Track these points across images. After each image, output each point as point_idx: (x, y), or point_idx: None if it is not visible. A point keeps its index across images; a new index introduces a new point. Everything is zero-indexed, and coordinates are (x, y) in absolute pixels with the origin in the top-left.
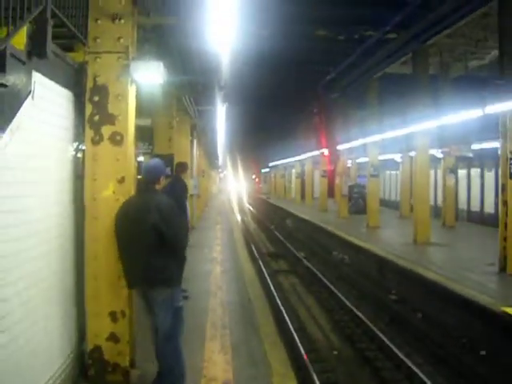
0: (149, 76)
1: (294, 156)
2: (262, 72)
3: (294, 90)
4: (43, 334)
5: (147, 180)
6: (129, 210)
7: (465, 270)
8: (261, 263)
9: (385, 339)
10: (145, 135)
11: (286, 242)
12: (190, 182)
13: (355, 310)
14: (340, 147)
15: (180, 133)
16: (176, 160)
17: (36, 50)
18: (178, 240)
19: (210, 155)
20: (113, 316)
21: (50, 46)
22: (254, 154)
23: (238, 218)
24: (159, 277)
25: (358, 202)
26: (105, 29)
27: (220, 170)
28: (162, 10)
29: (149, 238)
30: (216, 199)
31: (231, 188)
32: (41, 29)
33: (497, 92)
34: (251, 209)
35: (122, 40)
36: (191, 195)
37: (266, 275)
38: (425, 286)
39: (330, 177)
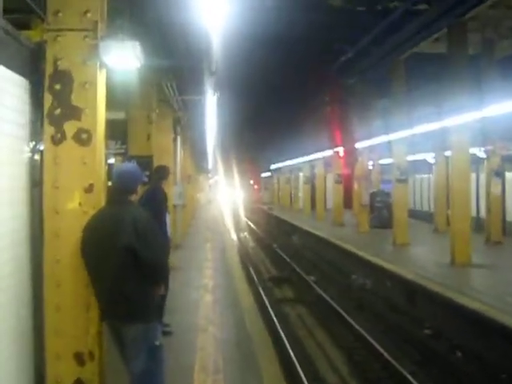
0: (122, 59)
1: (301, 156)
2: (263, 53)
3: (302, 75)
4: None
5: (120, 189)
6: (97, 225)
7: None
8: (261, 290)
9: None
10: (117, 132)
11: (293, 264)
12: (173, 190)
13: (379, 347)
14: (359, 145)
15: (161, 129)
16: (156, 163)
17: None
18: (158, 264)
19: (198, 156)
20: (79, 358)
21: (1, 22)
22: (253, 155)
23: (233, 234)
24: (132, 309)
25: (381, 213)
26: (68, 0)
27: (210, 175)
28: None
29: (120, 261)
30: (206, 211)
31: (224, 196)
32: None
33: None
34: (249, 223)
35: (89, 14)
36: (174, 206)
37: (268, 305)
38: (466, 317)
39: (347, 182)
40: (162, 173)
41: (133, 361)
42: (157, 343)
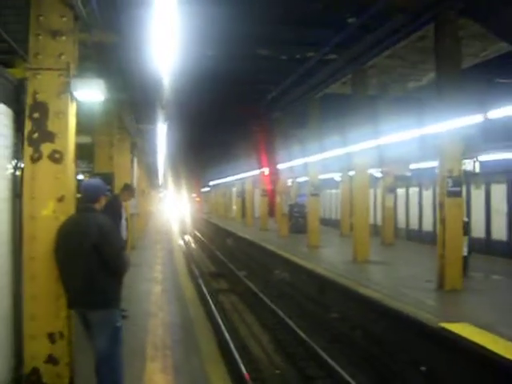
0: (90, 93)
1: (234, 175)
2: (204, 91)
3: (236, 109)
4: None
5: (87, 199)
6: (68, 229)
7: (403, 287)
8: (201, 282)
9: (327, 358)
10: (85, 153)
11: (227, 261)
12: (130, 201)
13: (296, 328)
14: (280, 166)
15: (120, 151)
16: (116, 179)
17: None
18: (120, 261)
19: (151, 174)
20: (51, 337)
21: None
22: (195, 173)
23: (178, 237)
24: (99, 298)
25: (298, 221)
26: (46, 45)
27: (160, 190)
28: (103, 26)
29: (89, 258)
30: (156, 219)
31: (172, 208)
32: None
33: (434, 113)
34: (192, 229)
35: (63, 57)
36: (131, 214)
37: (207, 295)
38: (364, 303)
39: (271, 196)
40: (129, 191)
41: (97, 340)
42: (118, 325)
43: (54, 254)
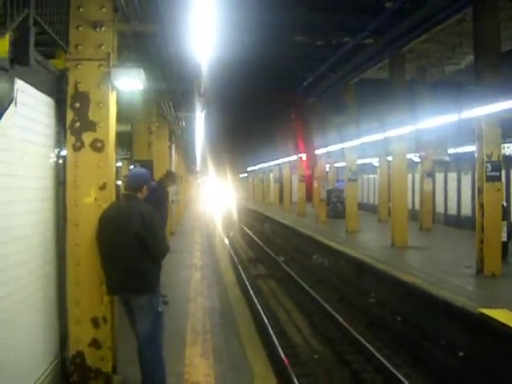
0: (129, 83)
1: (271, 161)
2: (241, 78)
3: (273, 96)
4: (27, 340)
5: (130, 187)
6: (111, 216)
7: (442, 272)
8: (240, 268)
9: (365, 343)
10: (123, 141)
11: (265, 246)
12: (171, 188)
13: (334, 312)
14: (318, 152)
15: (159, 138)
16: (155, 166)
17: (19, 58)
18: (160, 248)
19: (188, 160)
20: (95, 322)
21: (33, 54)
22: (233, 159)
23: (217, 223)
24: (141, 284)
25: (336, 206)
26: (86, 36)
27: (198, 176)
28: (142, 17)
29: (131, 246)
30: (194, 205)
31: (209, 193)
32: (23, 36)
33: (472, 97)
34: (230, 214)
35: (103, 47)
36: (172, 201)
37: (246, 280)
38: (403, 288)
39: (308, 181)
40: (171, 177)
41: (140, 325)
42: (160, 309)
43: (96, 241)
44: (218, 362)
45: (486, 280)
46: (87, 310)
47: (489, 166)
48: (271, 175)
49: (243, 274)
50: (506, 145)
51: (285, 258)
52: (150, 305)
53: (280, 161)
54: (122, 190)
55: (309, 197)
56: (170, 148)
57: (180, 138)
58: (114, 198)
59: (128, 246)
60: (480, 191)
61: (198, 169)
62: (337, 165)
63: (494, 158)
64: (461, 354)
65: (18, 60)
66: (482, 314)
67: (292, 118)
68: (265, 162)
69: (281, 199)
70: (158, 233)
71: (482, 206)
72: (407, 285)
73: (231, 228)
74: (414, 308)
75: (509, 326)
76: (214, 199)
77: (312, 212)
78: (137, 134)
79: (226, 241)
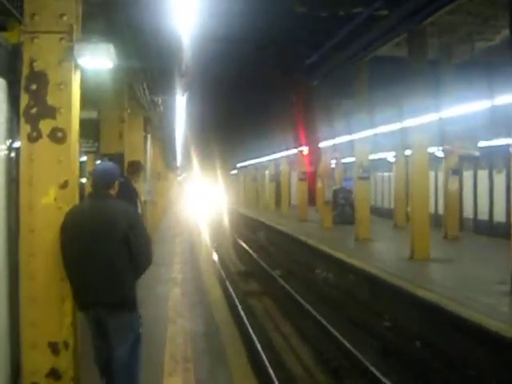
0: (97, 60)
1: (267, 155)
2: (230, 55)
3: (268, 77)
4: None
5: (101, 184)
6: (84, 221)
7: (471, 290)
8: (228, 284)
9: (380, 376)
10: (89, 130)
11: (258, 258)
12: (143, 187)
13: (342, 339)
14: (322, 144)
15: (132, 128)
16: (127, 160)
17: None
18: (146, 256)
19: (168, 155)
20: (54, 347)
21: None
22: (221, 153)
23: (199, 227)
24: (123, 298)
25: (344, 209)
26: (44, 3)
27: (179, 172)
28: None
29: (114, 254)
30: (175, 207)
31: (193, 193)
32: None
33: (508, 79)
34: (217, 219)
35: (64, 17)
36: (145, 202)
37: (235, 298)
38: (425, 309)
39: (311, 180)
40: (134, 167)
41: (116, 349)
42: (140, 331)
43: (61, 249)
44: None
45: None
46: (45, 333)
47: None
48: (266, 172)
49: (232, 291)
50: None
51: (282, 273)
52: (131, 325)
53: (277, 155)
54: (88, 189)
55: (311, 198)
56: (146, 139)
57: (157, 128)
58: (77, 199)
59: (110, 254)
60: None
61: (178, 164)
62: (344, 160)
63: None
64: None
65: None
66: None
67: (291, 104)
68: (259, 157)
69: (278, 201)
70: (144, 238)
71: None
72: (429, 305)
73: (218, 235)
74: (438, 333)
75: None
76: (199, 200)
77: (315, 217)
78: (105, 123)
79: (212, 251)
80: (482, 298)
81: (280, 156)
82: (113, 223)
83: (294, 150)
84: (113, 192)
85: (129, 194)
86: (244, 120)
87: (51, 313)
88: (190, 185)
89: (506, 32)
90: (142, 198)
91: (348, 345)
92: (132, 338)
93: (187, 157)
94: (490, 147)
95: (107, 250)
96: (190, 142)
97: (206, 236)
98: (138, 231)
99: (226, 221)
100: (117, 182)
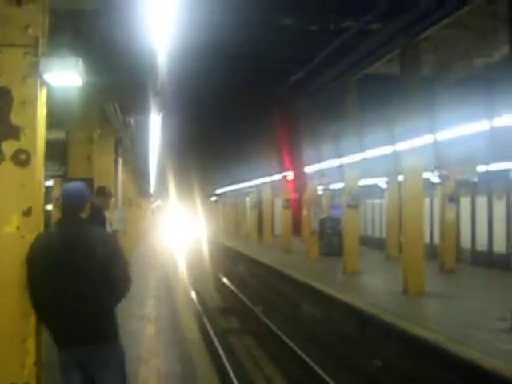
0: (64, 76)
1: (247, 181)
2: (209, 71)
3: (251, 95)
4: None
5: (72, 208)
6: (55, 250)
7: (470, 326)
8: (206, 320)
9: None
10: (55, 152)
11: (239, 293)
12: (113, 215)
13: (330, 380)
14: (308, 169)
15: (101, 150)
16: (96, 186)
17: None
18: (125, 281)
19: (140, 180)
20: None
21: None
22: (198, 180)
23: (174, 260)
24: (108, 328)
25: (331, 239)
26: (7, 14)
27: (152, 199)
28: None
29: (95, 280)
30: (148, 237)
31: (168, 222)
32: None
33: (509, 99)
34: (194, 250)
35: (30, 30)
36: (115, 231)
37: (213, 336)
38: (419, 348)
39: (295, 208)
40: (102, 194)
41: (106, 380)
42: (125, 358)
43: (29, 285)
44: None
45: None
46: (5, 373)
47: None
48: (247, 199)
49: (210, 328)
50: None
51: (264, 308)
52: (118, 353)
53: (259, 181)
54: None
55: (296, 228)
56: (116, 162)
57: (129, 151)
58: (42, 227)
59: (90, 283)
60: None
61: (152, 191)
62: (332, 186)
63: None
64: None
65: None
66: None
67: (275, 125)
68: (239, 183)
69: (260, 230)
70: (123, 262)
71: None
72: (424, 343)
73: (195, 268)
74: (436, 374)
75: None
76: (174, 230)
77: (300, 248)
78: (73, 144)
79: (189, 284)
80: (482, 336)
81: (262, 182)
82: (90, 253)
83: (278, 176)
84: (83, 215)
85: (100, 220)
86: (223, 142)
87: (12, 352)
88: (165, 213)
89: (507, 48)
90: (113, 228)
91: None
92: (121, 365)
93: (162, 182)
94: (489, 172)
95: (86, 283)
96: (165, 166)
97: (182, 268)
98: (118, 257)
99: (203, 252)
100: (88, 205)
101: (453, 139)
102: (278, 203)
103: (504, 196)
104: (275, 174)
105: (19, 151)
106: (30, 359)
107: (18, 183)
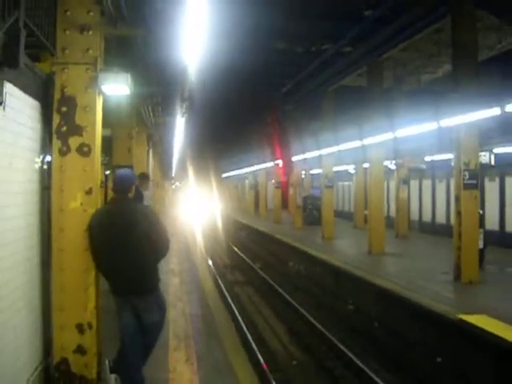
0: (117, 88)
1: (247, 167)
2: (220, 84)
3: (251, 102)
4: (13, 346)
5: (120, 189)
6: (111, 219)
7: (420, 279)
8: (217, 275)
9: (346, 351)
10: (103, 146)
11: (241, 253)
12: (145, 193)
13: (313, 320)
14: (294, 158)
15: (138, 143)
16: (135, 171)
17: (8, 60)
18: (166, 244)
19: (164, 166)
20: (79, 328)
21: (23, 57)
22: (208, 165)
23: (194, 229)
24: (150, 284)
25: (312, 213)
26: (73, 40)
27: (173, 181)
28: (128, 21)
29: (140, 247)
30: (169, 211)
31: (184, 199)
32: (13, 39)
33: (451, 105)
34: (206, 220)
35: (90, 51)
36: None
37: (223, 287)
38: (381, 295)
39: (284, 188)
40: (145, 179)
41: (150, 316)
42: (164, 305)
43: (90, 245)
44: (202, 367)
45: (463, 286)
46: (72, 316)
47: (466, 174)
48: (246, 182)
49: (220, 281)
50: (482, 153)
51: (261, 265)
52: (158, 299)
53: (256, 167)
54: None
55: (285, 203)
56: (148, 153)
57: (158, 144)
58: (99, 203)
59: (136, 248)
60: (457, 199)
61: (173, 175)
62: (312, 171)
63: (472, 167)
64: (439, 359)
65: (8, 63)
66: (461, 320)
67: (269, 125)
68: (240, 169)
69: (256, 206)
70: (163, 229)
71: (459, 213)
72: (385, 291)
73: (206, 234)
74: (394, 315)
75: (487, 331)
76: (190, 206)
77: (288, 219)
78: (117, 139)
79: (202, 247)
80: (431, 286)
81: (259, 168)
82: (135, 223)
83: (271, 163)
84: (130, 195)
85: (140, 198)
86: (230, 138)
87: (77, 299)
88: (183, 192)
89: (448, 66)
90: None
91: (318, 325)
92: (161, 304)
93: (182, 168)
94: (433, 161)
95: (130, 245)
96: (185, 155)
97: (197, 234)
98: (157, 225)
99: (213, 222)
100: (133, 186)
101: (407, 136)
102: (271, 185)
103: (444, 179)
104: (269, 161)
105: (82, 145)
106: (91, 304)
107: (81, 169)
